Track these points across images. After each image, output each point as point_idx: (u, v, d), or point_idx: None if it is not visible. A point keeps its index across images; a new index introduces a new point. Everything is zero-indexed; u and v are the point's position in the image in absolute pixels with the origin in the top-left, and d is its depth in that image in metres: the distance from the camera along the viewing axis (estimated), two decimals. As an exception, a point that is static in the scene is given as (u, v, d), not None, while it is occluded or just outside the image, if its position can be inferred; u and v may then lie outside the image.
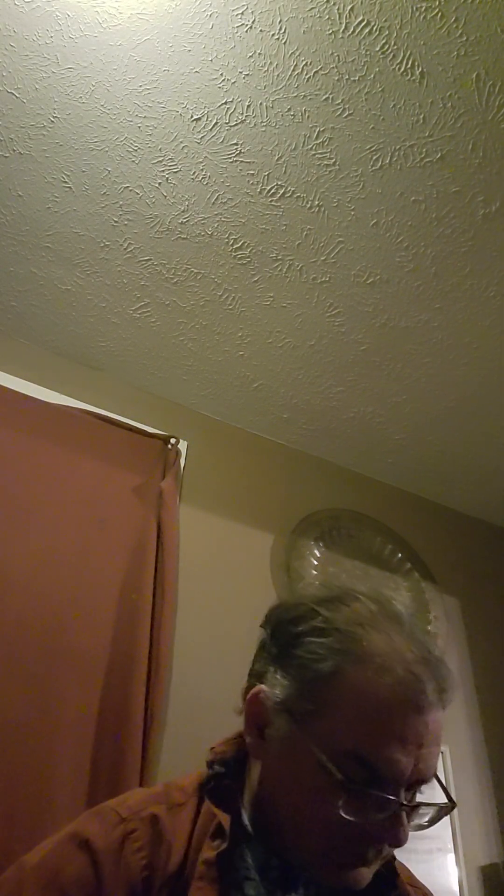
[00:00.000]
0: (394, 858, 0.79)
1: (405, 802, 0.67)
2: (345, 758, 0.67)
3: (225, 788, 0.76)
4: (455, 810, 1.65)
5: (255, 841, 0.73)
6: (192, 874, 0.68)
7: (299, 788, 0.69)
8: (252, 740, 0.76)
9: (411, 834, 0.69)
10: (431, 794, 0.73)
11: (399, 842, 0.67)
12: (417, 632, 0.75)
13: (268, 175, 1.58)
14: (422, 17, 1.33)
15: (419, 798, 0.71)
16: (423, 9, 1.32)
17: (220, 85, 1.44)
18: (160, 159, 1.57)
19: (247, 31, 1.37)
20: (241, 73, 1.42)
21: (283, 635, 0.76)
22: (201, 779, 0.79)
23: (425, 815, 0.71)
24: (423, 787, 0.71)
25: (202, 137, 1.53)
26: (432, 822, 0.72)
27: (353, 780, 0.66)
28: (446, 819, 1.63)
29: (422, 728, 0.68)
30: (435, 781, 0.72)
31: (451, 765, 1.73)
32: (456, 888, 1.54)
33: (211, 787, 0.77)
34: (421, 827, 0.71)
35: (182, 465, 1.90)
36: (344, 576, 1.99)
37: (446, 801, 0.72)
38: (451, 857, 1.57)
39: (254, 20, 1.36)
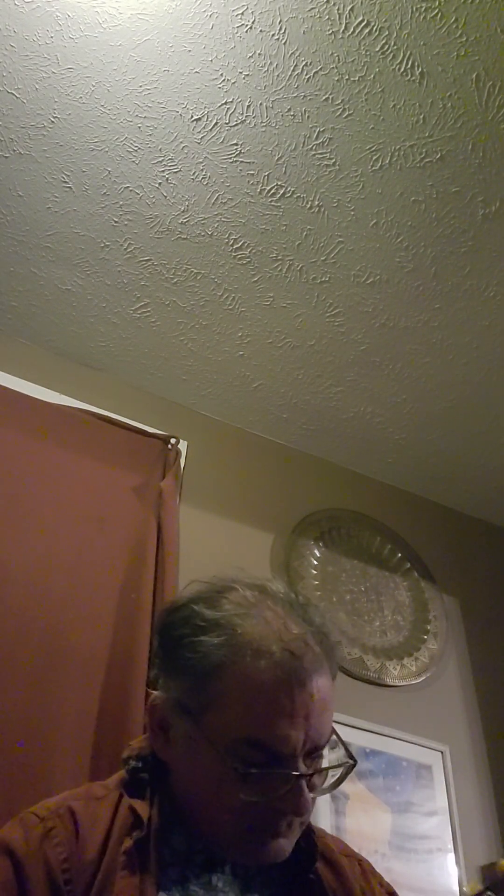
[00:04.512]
0: (313, 832, 0.82)
1: (303, 773, 0.71)
2: (239, 745, 0.71)
3: (141, 781, 0.79)
4: (455, 810, 1.67)
5: (176, 829, 0.76)
6: (115, 866, 0.71)
7: (205, 782, 0.74)
8: (159, 746, 0.79)
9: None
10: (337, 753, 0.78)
11: (302, 810, 0.72)
12: (297, 608, 0.79)
13: (268, 175, 1.58)
14: (422, 17, 1.33)
15: (325, 762, 0.77)
16: (423, 9, 1.32)
17: (220, 85, 1.44)
18: (160, 159, 1.57)
19: (247, 32, 1.37)
20: (241, 73, 1.42)
21: (168, 640, 0.80)
22: (122, 776, 0.82)
23: (332, 777, 0.76)
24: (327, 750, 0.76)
25: (202, 137, 1.53)
26: (339, 781, 0.77)
27: (252, 765, 0.70)
28: (446, 819, 1.65)
29: (306, 699, 0.72)
30: (338, 741, 0.77)
31: (451, 765, 1.73)
32: (456, 888, 1.54)
33: (127, 780, 0.80)
34: (332, 787, 0.77)
35: (182, 465, 1.90)
36: (343, 575, 1.99)
37: (347, 759, 0.76)
38: (451, 856, 1.58)
39: (254, 20, 1.36)
